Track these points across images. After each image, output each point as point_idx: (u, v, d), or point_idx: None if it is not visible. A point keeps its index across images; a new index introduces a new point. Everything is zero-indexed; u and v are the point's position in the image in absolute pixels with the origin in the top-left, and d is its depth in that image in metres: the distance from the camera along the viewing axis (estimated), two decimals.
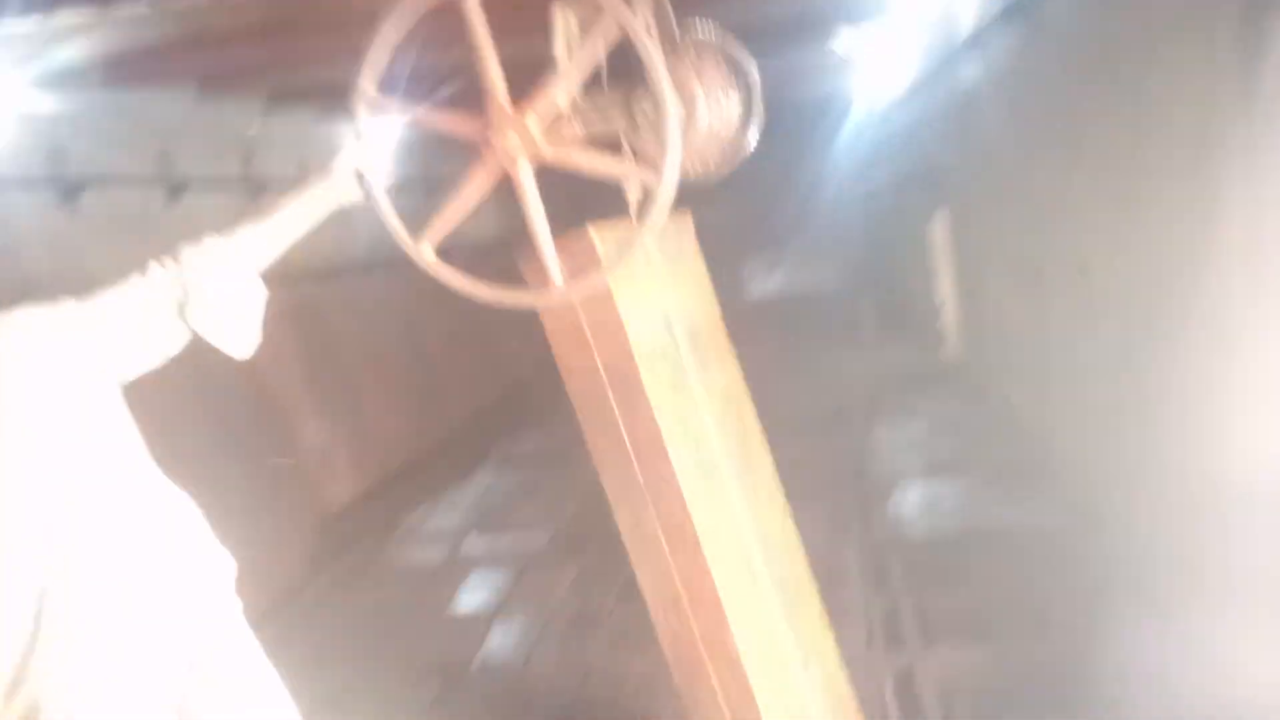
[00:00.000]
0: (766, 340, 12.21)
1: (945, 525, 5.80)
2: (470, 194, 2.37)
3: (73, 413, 2.08)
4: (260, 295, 2.35)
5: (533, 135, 2.26)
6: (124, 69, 6.14)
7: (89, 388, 2.13)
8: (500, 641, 5.11)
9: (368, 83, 2.36)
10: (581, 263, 2.38)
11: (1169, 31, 3.84)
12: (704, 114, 2.54)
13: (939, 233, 8.76)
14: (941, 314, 9.09)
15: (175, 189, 7.02)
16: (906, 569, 5.23)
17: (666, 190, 2.22)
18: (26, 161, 5.93)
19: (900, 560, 5.34)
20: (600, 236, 2.42)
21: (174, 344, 2.25)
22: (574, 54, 2.20)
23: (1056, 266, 5.75)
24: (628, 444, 2.52)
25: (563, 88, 2.26)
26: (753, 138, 2.74)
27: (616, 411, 2.51)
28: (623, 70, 2.47)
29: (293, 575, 6.18)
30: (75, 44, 5.19)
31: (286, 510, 6.59)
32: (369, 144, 2.43)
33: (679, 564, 2.55)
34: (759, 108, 2.72)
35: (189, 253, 2.23)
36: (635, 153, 2.57)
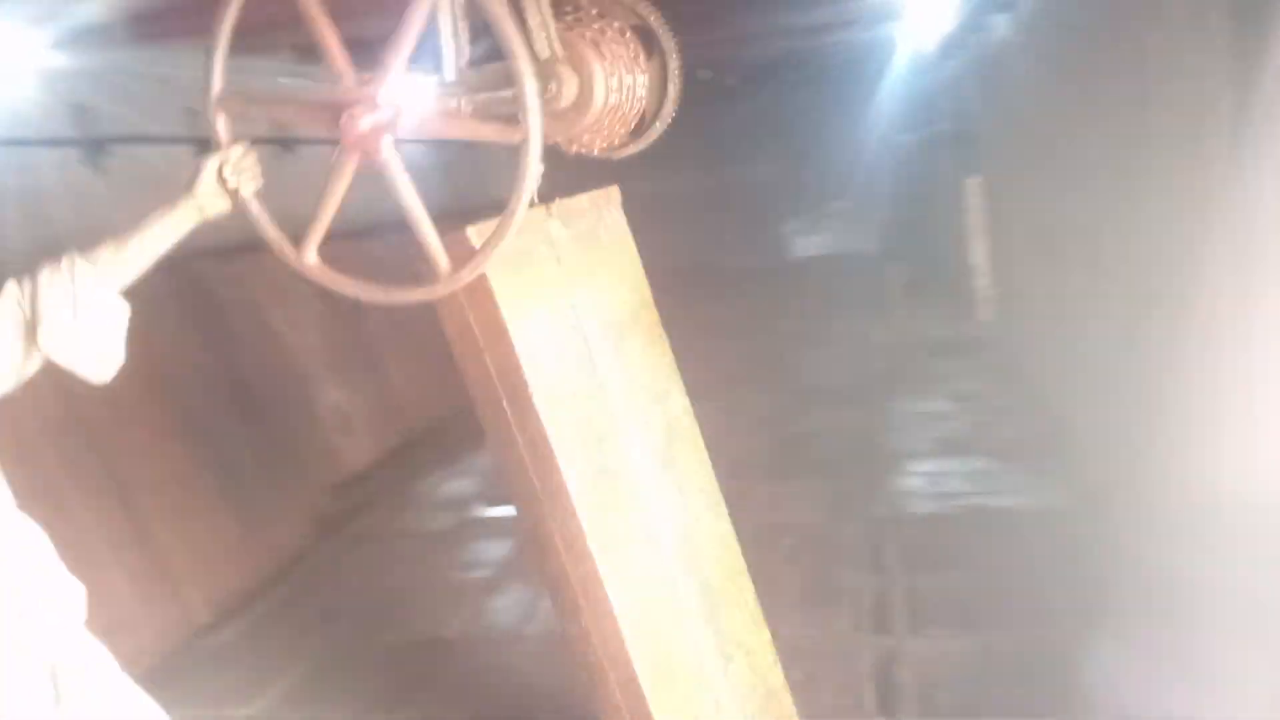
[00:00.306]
0: (797, 305, 11.95)
1: (949, 506, 5.49)
2: (338, 186, 2.14)
3: None
4: (122, 315, 2.19)
5: (386, 110, 2.02)
6: (148, 25, 6.02)
7: None
8: (494, 613, 5.00)
9: (218, 83, 2.16)
10: (461, 256, 2.15)
11: None
12: (601, 90, 2.28)
13: (972, 196, 8.32)
14: (975, 279, 8.66)
15: (203, 147, 6.91)
16: (903, 550, 4.97)
17: (528, 169, 1.97)
18: (51, 121, 5.89)
19: (898, 541, 5.08)
20: (480, 229, 2.18)
21: (27, 365, 2.10)
22: (410, 15, 1.95)
23: (1074, 238, 5.37)
24: (521, 449, 2.31)
25: (401, 53, 2.00)
26: (667, 114, 2.48)
27: (509, 415, 2.29)
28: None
29: (302, 539, 6.13)
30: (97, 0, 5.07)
31: (300, 474, 6.53)
32: (232, 151, 2.24)
33: (574, 573, 2.35)
34: (675, 83, 2.45)
35: (45, 273, 2.07)
36: None
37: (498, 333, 2.23)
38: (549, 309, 2.36)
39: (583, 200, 2.55)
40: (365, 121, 2.01)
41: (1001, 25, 6.46)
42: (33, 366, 2.10)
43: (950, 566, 4.75)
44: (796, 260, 14.87)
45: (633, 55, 2.37)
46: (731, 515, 5.64)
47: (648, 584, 2.49)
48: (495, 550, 5.73)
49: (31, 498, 4.76)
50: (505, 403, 2.28)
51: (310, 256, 2.22)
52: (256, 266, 6.85)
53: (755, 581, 4.78)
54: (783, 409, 7.64)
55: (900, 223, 12.63)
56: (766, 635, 2.95)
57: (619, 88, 2.33)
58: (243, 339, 6.54)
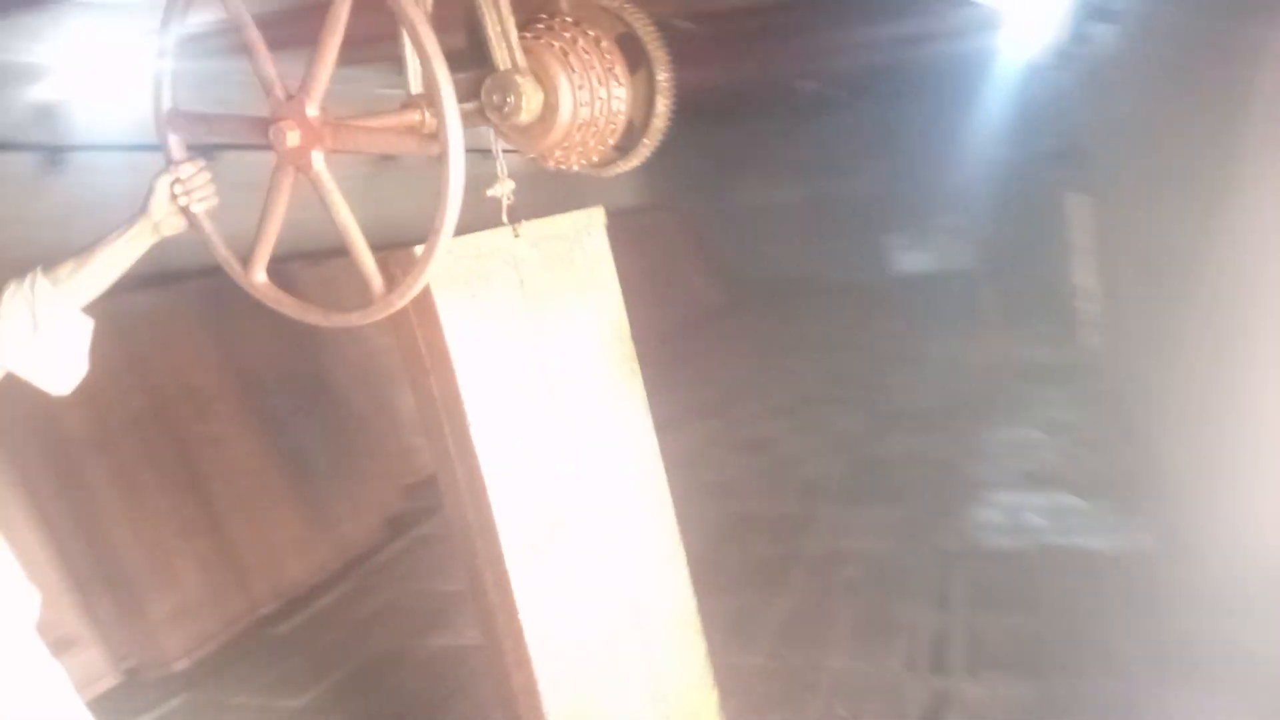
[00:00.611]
0: (891, 323, 11.46)
1: (1024, 542, 5.06)
2: (278, 204, 2.02)
3: None
4: (84, 330, 2.16)
5: (314, 124, 1.88)
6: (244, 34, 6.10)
7: None
8: None
9: (166, 101, 2.08)
10: (404, 273, 1.99)
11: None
12: (568, 103, 2.08)
13: (1076, 214, 7.76)
14: (1078, 301, 8.09)
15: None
16: (969, 586, 4.61)
17: (449, 185, 1.78)
18: (152, 129, 6.03)
19: (965, 576, 4.71)
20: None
21: None
22: (328, 27, 1.80)
23: (1174, 261, 4.87)
24: (458, 478, 2.13)
25: (324, 65, 1.86)
26: (657, 130, 2.25)
27: (449, 442, 2.12)
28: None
29: (371, 536, 6.13)
30: (200, 11, 5.15)
31: (375, 472, 6.54)
32: (183, 169, 2.16)
33: (500, 614, 2.16)
34: (665, 97, 2.23)
35: (9, 290, 2.07)
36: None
37: (441, 356, 2.07)
38: (505, 336, 2.18)
39: (559, 222, 2.35)
40: (293, 136, 1.88)
41: (1107, 36, 5.97)
42: None
43: (1018, 607, 4.39)
44: (893, 276, 14.28)
45: (608, 67, 2.15)
46: (795, 540, 5.42)
47: (580, 639, 2.28)
48: None
49: (110, 485, 4.88)
50: (446, 429, 2.10)
51: (258, 276, 2.11)
52: (346, 270, 6.92)
53: (809, 610, 4.55)
54: (864, 430, 7.27)
55: (1001, 240, 12.01)
56: (714, 697, 2.69)
57: (590, 101, 2.12)
58: (328, 339, 6.58)
